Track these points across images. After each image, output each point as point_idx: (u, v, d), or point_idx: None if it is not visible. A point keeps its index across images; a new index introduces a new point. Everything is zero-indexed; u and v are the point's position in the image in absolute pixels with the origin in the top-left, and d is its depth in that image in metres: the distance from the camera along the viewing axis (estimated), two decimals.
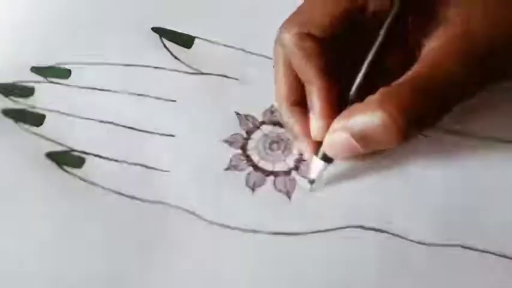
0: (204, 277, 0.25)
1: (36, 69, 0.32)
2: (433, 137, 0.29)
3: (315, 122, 0.26)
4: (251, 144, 0.29)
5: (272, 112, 0.31)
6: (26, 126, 0.30)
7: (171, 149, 0.29)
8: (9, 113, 0.30)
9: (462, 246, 0.26)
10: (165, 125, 0.30)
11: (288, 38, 0.26)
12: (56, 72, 0.32)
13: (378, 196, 0.27)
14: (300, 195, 0.28)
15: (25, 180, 0.28)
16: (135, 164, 0.28)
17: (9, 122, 0.30)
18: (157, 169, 0.28)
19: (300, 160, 0.29)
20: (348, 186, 0.28)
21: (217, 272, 0.25)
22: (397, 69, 0.25)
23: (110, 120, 0.30)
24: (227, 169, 0.28)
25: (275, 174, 0.28)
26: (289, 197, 0.28)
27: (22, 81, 0.32)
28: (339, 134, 0.25)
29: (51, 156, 0.29)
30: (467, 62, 0.24)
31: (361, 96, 0.25)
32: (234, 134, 0.30)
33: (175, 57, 0.32)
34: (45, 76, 0.32)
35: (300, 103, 0.27)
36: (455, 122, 0.29)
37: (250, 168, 0.28)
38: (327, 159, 0.27)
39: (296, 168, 0.29)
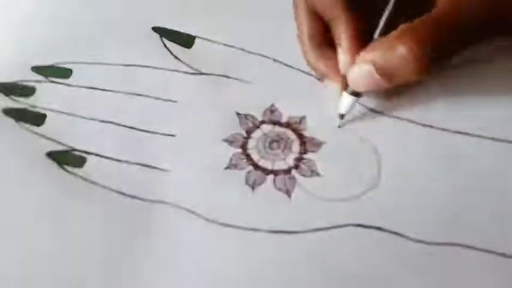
0: (204, 276, 0.25)
1: (37, 69, 0.32)
2: (432, 136, 0.29)
3: (343, 56, 0.27)
4: (251, 143, 0.30)
5: (272, 111, 0.31)
6: (27, 125, 0.30)
7: (171, 149, 0.29)
8: (10, 112, 0.30)
9: (462, 246, 0.26)
10: (166, 125, 0.30)
11: None
12: (56, 72, 0.32)
13: (378, 195, 0.27)
14: (300, 194, 0.28)
15: (26, 179, 0.28)
16: (136, 164, 0.29)
17: (10, 121, 0.30)
18: (157, 168, 0.28)
19: (299, 159, 0.29)
20: (348, 184, 0.28)
21: (217, 271, 0.25)
22: (419, 12, 0.26)
23: (111, 120, 0.30)
24: (227, 168, 0.29)
25: (275, 173, 0.28)
26: (289, 196, 0.28)
27: (23, 81, 0.32)
28: (362, 66, 0.26)
29: (52, 155, 0.29)
30: (484, 9, 0.26)
31: (385, 33, 0.26)
32: (234, 133, 0.30)
33: (176, 57, 0.33)
34: (46, 75, 0.32)
35: (324, 43, 0.29)
36: (455, 121, 0.30)
37: (250, 167, 0.29)
38: (356, 93, 0.28)
39: (296, 167, 0.29)
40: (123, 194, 0.27)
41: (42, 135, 0.29)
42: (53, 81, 0.32)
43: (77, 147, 0.29)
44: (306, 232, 0.26)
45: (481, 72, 0.32)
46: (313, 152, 0.29)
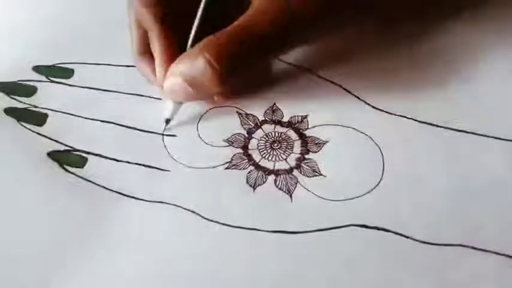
0: (204, 276, 0.25)
1: (38, 69, 0.32)
2: (436, 135, 0.29)
3: (157, 67, 0.29)
4: (252, 143, 0.29)
5: (273, 111, 0.31)
6: (28, 125, 0.30)
7: (172, 149, 0.29)
8: (11, 112, 0.30)
9: (466, 246, 0.26)
10: (167, 125, 0.30)
11: None
12: (58, 72, 0.32)
13: (381, 195, 0.27)
14: (302, 194, 0.27)
15: (27, 179, 0.28)
16: (136, 164, 0.29)
17: (12, 121, 0.30)
18: (158, 168, 0.28)
19: (301, 159, 0.29)
20: (351, 185, 0.28)
21: (218, 271, 0.25)
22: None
23: (112, 120, 0.30)
24: (228, 168, 0.28)
25: (276, 173, 0.28)
26: (291, 196, 0.27)
27: (24, 81, 0.32)
28: (172, 79, 0.27)
29: (53, 155, 0.29)
30: (284, 13, 0.27)
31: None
32: (235, 133, 0.30)
33: None
34: (47, 75, 0.32)
35: (147, 50, 0.29)
36: (458, 120, 0.29)
37: (252, 167, 0.28)
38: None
39: (297, 167, 0.29)
40: (124, 194, 0.27)
41: (43, 135, 0.29)
42: (54, 81, 0.32)
43: (77, 147, 0.29)
44: (308, 232, 0.26)
45: (484, 72, 0.31)
46: (315, 152, 0.29)
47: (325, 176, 0.28)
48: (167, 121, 0.29)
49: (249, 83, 0.31)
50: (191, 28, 0.28)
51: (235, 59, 0.26)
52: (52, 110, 0.31)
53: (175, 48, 0.28)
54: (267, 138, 0.30)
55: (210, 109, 0.31)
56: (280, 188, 0.28)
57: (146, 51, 0.30)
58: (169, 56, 0.28)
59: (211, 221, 0.27)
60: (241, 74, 0.28)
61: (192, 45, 0.28)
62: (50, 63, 0.32)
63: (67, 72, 0.32)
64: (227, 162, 0.29)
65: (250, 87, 0.31)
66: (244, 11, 0.27)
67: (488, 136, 0.29)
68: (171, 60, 0.28)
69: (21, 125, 0.30)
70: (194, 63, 0.26)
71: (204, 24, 0.28)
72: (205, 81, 0.27)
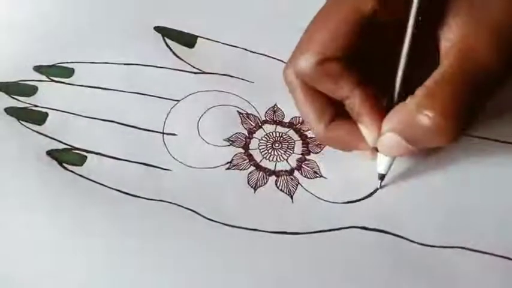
0: (205, 276, 0.25)
1: (39, 68, 0.32)
2: None
3: (367, 130, 0.26)
4: (253, 143, 0.29)
5: (274, 111, 0.30)
6: (28, 124, 0.30)
7: (172, 148, 0.29)
8: (11, 111, 0.30)
9: (463, 248, 0.26)
10: (167, 124, 0.30)
11: (309, 67, 0.25)
12: (58, 71, 0.32)
13: (381, 197, 0.27)
14: (302, 195, 0.27)
15: (27, 178, 0.28)
16: (137, 163, 0.28)
17: (12, 120, 0.30)
18: (158, 167, 0.28)
19: (302, 160, 0.29)
20: (351, 186, 0.28)
21: (218, 271, 0.25)
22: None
23: (112, 118, 0.30)
24: (229, 168, 0.28)
25: (277, 173, 0.28)
26: (291, 197, 0.27)
27: (25, 80, 0.32)
28: (388, 136, 0.25)
29: (52, 154, 0.29)
30: (497, 47, 0.24)
31: (402, 95, 0.25)
32: (236, 133, 0.30)
33: (178, 57, 0.32)
34: (47, 75, 0.32)
35: (335, 119, 0.27)
36: None
37: (252, 168, 0.28)
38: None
39: (298, 168, 0.28)
40: (124, 192, 0.27)
41: (43, 134, 0.29)
42: (54, 81, 0.32)
43: (77, 145, 0.29)
44: (308, 234, 0.26)
45: None
46: (316, 153, 0.29)
47: (326, 178, 0.28)
48: (382, 177, 0.27)
49: None
50: (384, 79, 0.26)
51: (460, 110, 0.23)
52: (52, 109, 0.30)
53: (380, 104, 0.26)
54: (268, 138, 0.30)
55: (210, 108, 0.30)
56: (281, 189, 0.28)
57: (333, 119, 0.27)
58: (379, 115, 0.25)
59: (212, 220, 0.26)
60: (467, 124, 0.24)
61: (399, 98, 0.25)
62: (50, 63, 0.32)
63: (67, 72, 0.32)
64: (228, 163, 0.28)
65: None
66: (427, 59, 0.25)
67: (488, 139, 0.29)
68: (381, 119, 0.25)
69: (21, 123, 0.30)
70: (414, 120, 0.24)
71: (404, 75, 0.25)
72: (429, 139, 0.24)
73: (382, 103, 0.26)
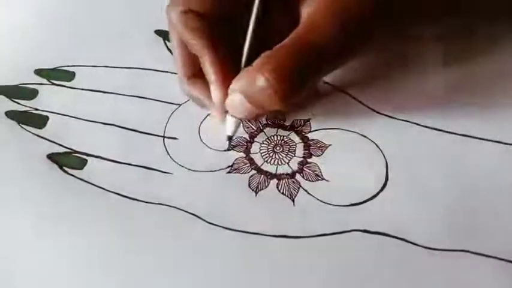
0: (206, 279, 0.25)
1: (39, 72, 0.32)
2: (440, 140, 0.29)
3: (213, 90, 0.27)
4: (254, 147, 0.29)
5: (276, 115, 0.30)
6: (29, 128, 0.30)
7: (173, 151, 0.29)
8: (12, 114, 0.30)
9: (466, 251, 0.25)
10: (168, 128, 0.30)
11: (174, 16, 0.27)
12: (59, 75, 0.32)
13: (384, 200, 0.27)
14: (304, 198, 0.27)
15: (27, 181, 0.28)
16: (137, 166, 0.28)
17: (12, 123, 0.30)
18: (159, 171, 0.28)
19: (303, 163, 0.28)
20: (354, 189, 0.27)
21: (219, 275, 0.25)
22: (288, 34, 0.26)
23: (113, 122, 0.30)
24: (229, 172, 0.28)
25: (278, 177, 0.28)
26: (293, 200, 0.27)
27: (25, 84, 0.32)
28: (233, 97, 0.26)
29: (53, 157, 0.29)
30: (342, 23, 0.25)
31: (251, 60, 0.26)
32: (237, 137, 0.29)
33: None
34: (48, 78, 0.32)
35: (199, 75, 0.28)
36: (462, 125, 0.29)
37: (253, 171, 0.28)
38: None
39: (300, 171, 0.28)
40: (124, 196, 0.27)
41: (44, 138, 0.29)
42: (55, 84, 0.32)
43: (77, 149, 0.29)
44: (310, 237, 0.26)
45: (485, 76, 0.31)
46: (317, 155, 0.29)
47: (327, 181, 0.28)
48: (229, 138, 0.28)
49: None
50: (239, 44, 0.27)
51: (296, 76, 0.25)
52: (53, 112, 0.30)
53: (231, 68, 0.27)
54: (269, 142, 0.29)
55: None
56: (282, 193, 0.27)
57: (195, 74, 0.28)
58: (227, 78, 0.26)
59: (213, 224, 0.26)
60: (300, 91, 0.26)
61: (247, 63, 0.26)
62: (51, 66, 0.32)
63: (68, 75, 0.32)
64: (229, 166, 0.28)
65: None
66: (293, 25, 0.26)
67: (492, 141, 0.29)
68: (229, 81, 0.26)
69: (22, 127, 0.30)
70: (254, 82, 0.25)
71: (256, 41, 0.26)
72: (267, 100, 0.25)
73: (235, 66, 0.27)
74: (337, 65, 0.27)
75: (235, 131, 0.28)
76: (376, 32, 0.26)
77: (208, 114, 0.30)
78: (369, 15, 0.25)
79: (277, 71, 0.24)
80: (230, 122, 0.28)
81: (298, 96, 0.26)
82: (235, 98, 0.26)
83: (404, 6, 0.27)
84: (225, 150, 0.29)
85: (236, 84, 0.26)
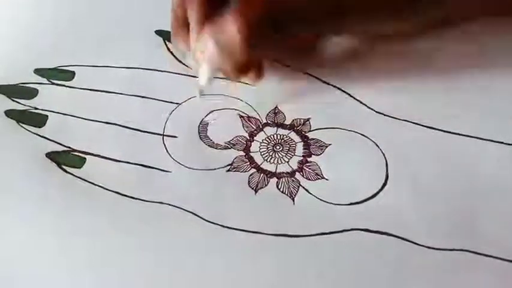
0: (205, 278, 0.25)
1: (39, 71, 0.32)
2: (441, 139, 0.29)
3: (192, 30, 0.28)
4: (254, 146, 0.29)
5: (275, 113, 0.30)
6: (28, 127, 0.30)
7: (173, 150, 0.29)
8: (11, 114, 0.30)
9: (466, 250, 0.25)
10: (168, 127, 0.30)
11: None
12: (59, 74, 0.32)
13: (384, 199, 0.27)
14: (304, 197, 0.27)
15: (26, 180, 0.27)
16: (136, 165, 0.28)
17: (12, 122, 0.30)
18: (158, 169, 0.28)
19: (303, 162, 0.28)
20: (354, 188, 0.27)
21: (218, 274, 0.25)
22: None
23: (112, 121, 0.30)
24: (229, 170, 0.28)
25: (278, 175, 0.28)
26: (293, 199, 0.27)
27: (25, 83, 0.32)
28: (205, 38, 0.27)
29: (52, 156, 0.28)
30: None
31: None
32: (237, 136, 0.29)
33: (179, 60, 0.32)
34: (48, 78, 0.32)
35: (186, 25, 0.29)
36: (464, 125, 0.29)
37: (253, 170, 0.28)
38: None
39: (300, 169, 0.28)
40: (123, 194, 0.27)
41: (43, 136, 0.29)
42: (55, 84, 0.32)
43: (77, 148, 0.29)
44: (310, 236, 0.26)
45: (485, 77, 0.31)
46: (317, 154, 0.29)
47: (327, 180, 0.28)
48: (201, 90, 0.29)
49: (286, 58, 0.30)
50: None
51: (265, 25, 0.26)
52: (52, 111, 0.30)
53: (211, 14, 0.27)
54: (269, 141, 0.29)
55: (211, 111, 0.30)
56: (282, 191, 0.27)
57: (185, 25, 0.29)
58: (205, 21, 0.27)
59: (212, 223, 0.26)
60: (270, 43, 0.27)
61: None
62: (51, 66, 0.32)
63: (68, 75, 0.32)
64: (229, 165, 0.28)
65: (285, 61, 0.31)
66: None
67: (493, 141, 0.29)
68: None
69: (21, 126, 0.30)
70: (223, 26, 0.26)
71: None
72: (231, 44, 0.26)
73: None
74: (307, 29, 0.28)
75: (208, 80, 0.28)
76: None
77: (208, 113, 0.30)
78: None
79: (245, 16, 0.25)
80: (203, 71, 0.28)
81: (263, 49, 0.27)
82: (206, 42, 0.27)
83: None
84: (221, 147, 0.29)
85: (210, 28, 0.27)
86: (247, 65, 0.28)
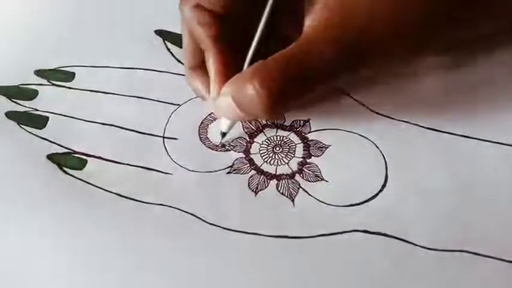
0: (205, 279, 0.25)
1: (39, 72, 0.32)
2: (440, 141, 0.29)
3: (212, 85, 0.28)
4: (254, 147, 0.29)
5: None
6: (29, 128, 0.30)
7: (173, 152, 0.29)
8: (12, 115, 0.30)
9: (466, 251, 0.25)
10: (168, 128, 0.30)
11: (186, 9, 0.27)
12: (59, 75, 0.32)
13: (384, 200, 0.27)
14: (304, 198, 0.27)
15: (27, 182, 0.28)
16: (137, 166, 0.28)
17: (12, 124, 0.30)
18: (159, 171, 0.28)
19: (303, 163, 0.29)
20: (354, 190, 0.27)
21: (218, 276, 0.25)
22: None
23: (113, 122, 0.30)
24: (229, 172, 0.28)
25: (278, 177, 0.28)
26: (293, 200, 0.27)
27: (25, 84, 0.32)
28: (224, 98, 0.26)
29: (52, 158, 0.29)
30: (336, 47, 0.25)
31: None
32: (237, 138, 0.29)
33: (179, 60, 0.33)
34: (48, 79, 0.32)
35: (202, 66, 0.29)
36: (463, 126, 0.29)
37: (253, 172, 0.28)
38: None
39: (299, 171, 0.28)
40: (124, 196, 0.27)
41: (44, 138, 0.29)
42: (55, 85, 0.32)
43: (77, 149, 0.29)
44: (310, 238, 0.26)
45: (485, 77, 0.31)
46: (317, 156, 0.29)
47: (327, 181, 0.28)
48: (223, 135, 0.29)
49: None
50: (249, 47, 0.27)
51: (284, 91, 0.25)
52: (53, 113, 0.30)
53: (231, 69, 0.27)
54: (269, 142, 0.29)
55: (211, 113, 0.30)
56: (282, 193, 0.27)
57: (199, 66, 0.29)
58: (225, 77, 0.27)
59: (213, 225, 0.26)
60: (286, 106, 0.26)
61: (250, 66, 0.27)
62: (51, 67, 0.32)
63: (68, 76, 0.32)
64: (229, 167, 0.28)
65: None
66: (299, 33, 0.26)
67: (492, 142, 0.29)
68: (226, 81, 0.27)
69: (22, 127, 0.30)
70: (243, 88, 0.25)
71: (262, 45, 0.27)
72: (252, 108, 0.25)
73: (237, 69, 0.27)
74: (328, 85, 0.27)
75: (229, 128, 0.29)
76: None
77: (210, 114, 0.30)
78: (365, 47, 0.25)
79: (266, 82, 0.24)
80: (225, 120, 0.28)
81: (285, 110, 0.27)
82: (224, 101, 0.26)
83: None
84: (221, 149, 0.29)
85: (227, 87, 0.26)
86: None
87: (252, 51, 0.26)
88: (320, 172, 0.28)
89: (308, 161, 0.29)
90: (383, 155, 0.28)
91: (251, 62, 0.26)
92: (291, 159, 0.29)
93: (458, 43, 0.28)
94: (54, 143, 0.29)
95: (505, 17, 0.28)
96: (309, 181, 0.28)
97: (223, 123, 0.29)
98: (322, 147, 0.29)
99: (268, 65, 0.25)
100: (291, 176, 0.28)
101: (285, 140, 0.29)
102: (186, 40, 0.29)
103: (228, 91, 0.26)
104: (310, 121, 0.30)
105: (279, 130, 0.30)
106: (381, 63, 0.27)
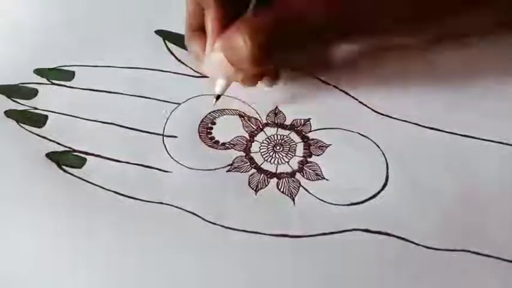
0: (205, 278, 0.25)
1: (39, 71, 0.32)
2: (441, 140, 0.29)
3: (208, 42, 0.28)
4: (254, 146, 0.29)
5: (276, 114, 0.30)
6: (28, 127, 0.30)
7: (173, 150, 0.29)
8: (11, 114, 0.30)
9: (467, 251, 0.25)
10: (168, 127, 0.30)
11: None
12: (59, 74, 0.32)
13: (385, 199, 0.27)
14: (304, 197, 0.27)
15: (26, 180, 0.27)
16: (137, 165, 0.28)
17: (12, 123, 0.30)
18: (158, 169, 0.28)
19: (304, 162, 0.28)
20: (354, 189, 0.27)
21: (218, 274, 0.25)
22: None
23: (112, 121, 0.30)
24: (229, 171, 0.28)
25: (278, 176, 0.28)
26: (293, 199, 0.27)
27: (25, 83, 0.32)
28: (215, 54, 0.27)
29: (52, 156, 0.28)
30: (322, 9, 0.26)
31: None
32: (237, 137, 0.29)
33: (179, 60, 0.33)
34: (48, 78, 0.32)
35: (201, 27, 0.29)
36: (463, 126, 0.29)
37: (253, 170, 0.28)
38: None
39: (300, 170, 0.28)
40: (123, 195, 0.27)
41: (43, 137, 0.29)
42: (55, 84, 0.32)
43: (77, 148, 0.29)
44: (310, 236, 0.26)
45: (485, 77, 0.31)
46: (317, 155, 0.29)
47: (328, 180, 0.28)
48: (217, 97, 0.29)
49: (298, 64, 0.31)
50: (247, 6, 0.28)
51: (271, 38, 0.26)
52: (52, 111, 0.30)
53: (228, 27, 0.27)
54: (269, 141, 0.29)
55: (211, 112, 0.30)
56: (282, 192, 0.27)
57: (199, 29, 0.29)
58: (221, 33, 0.28)
59: (213, 223, 0.26)
60: (280, 56, 0.27)
61: None
62: (51, 66, 0.32)
63: (68, 75, 0.32)
64: (229, 165, 0.28)
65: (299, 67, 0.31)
66: None
67: (492, 141, 0.29)
68: None
69: (21, 126, 0.30)
70: (232, 39, 0.26)
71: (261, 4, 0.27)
72: (240, 58, 0.26)
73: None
74: (317, 38, 0.28)
75: (224, 90, 0.29)
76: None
77: (208, 114, 0.30)
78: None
79: (252, 30, 0.26)
80: (220, 82, 0.29)
81: (270, 61, 0.27)
82: (216, 56, 0.27)
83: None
84: (221, 147, 0.29)
85: (218, 42, 0.27)
86: (261, 73, 0.28)
87: (252, 7, 0.27)
88: (320, 171, 0.28)
89: (309, 159, 0.29)
90: (383, 154, 0.28)
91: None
92: (291, 158, 0.29)
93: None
94: (54, 141, 0.29)
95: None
96: (310, 180, 0.28)
97: (217, 86, 0.29)
98: (322, 146, 0.29)
99: (255, 15, 0.26)
100: (292, 174, 0.28)
101: (286, 139, 0.29)
102: (188, 1, 0.29)
103: (220, 44, 0.27)
104: (311, 120, 0.30)
105: (279, 129, 0.30)
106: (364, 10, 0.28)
